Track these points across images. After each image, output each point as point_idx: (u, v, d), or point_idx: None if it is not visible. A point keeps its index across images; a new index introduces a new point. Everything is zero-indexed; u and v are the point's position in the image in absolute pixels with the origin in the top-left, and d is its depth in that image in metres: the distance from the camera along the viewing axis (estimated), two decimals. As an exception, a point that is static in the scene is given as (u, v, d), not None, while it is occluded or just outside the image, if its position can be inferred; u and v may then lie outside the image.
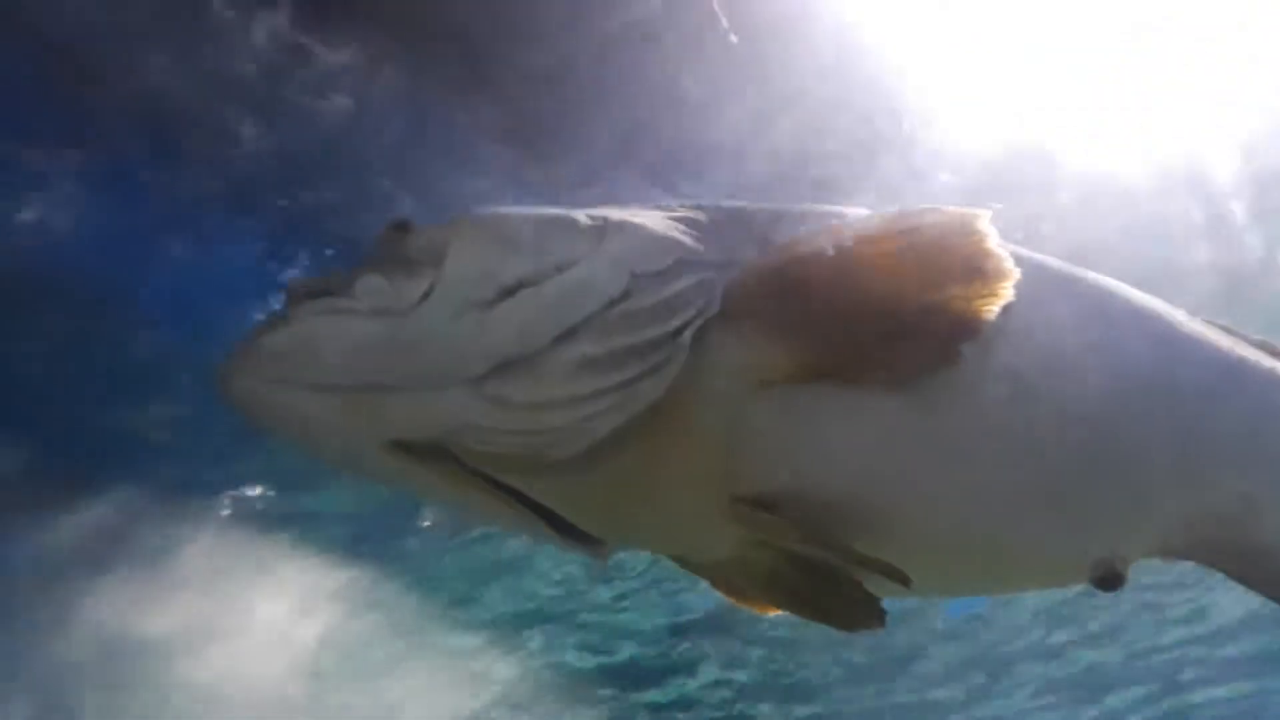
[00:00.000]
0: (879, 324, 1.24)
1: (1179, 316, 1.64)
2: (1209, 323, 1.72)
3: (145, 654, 6.34)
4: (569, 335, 1.20)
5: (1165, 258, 4.24)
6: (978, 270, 1.22)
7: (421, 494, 1.40)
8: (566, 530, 1.35)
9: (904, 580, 1.29)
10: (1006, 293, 1.23)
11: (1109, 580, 1.47)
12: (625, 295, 1.21)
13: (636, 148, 3.73)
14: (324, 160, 3.63)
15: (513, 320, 1.20)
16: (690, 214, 1.34)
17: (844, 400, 1.27)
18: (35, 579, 5.60)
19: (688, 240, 1.27)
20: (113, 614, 5.95)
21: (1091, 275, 1.58)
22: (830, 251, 1.23)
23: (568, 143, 3.68)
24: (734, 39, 3.43)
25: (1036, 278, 1.47)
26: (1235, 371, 1.66)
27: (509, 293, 1.21)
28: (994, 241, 1.23)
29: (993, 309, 1.23)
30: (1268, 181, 4.20)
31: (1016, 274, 1.23)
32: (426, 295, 1.21)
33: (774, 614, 1.51)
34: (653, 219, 1.30)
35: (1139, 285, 1.67)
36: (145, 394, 4.49)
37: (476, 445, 1.23)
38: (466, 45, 3.40)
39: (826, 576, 1.36)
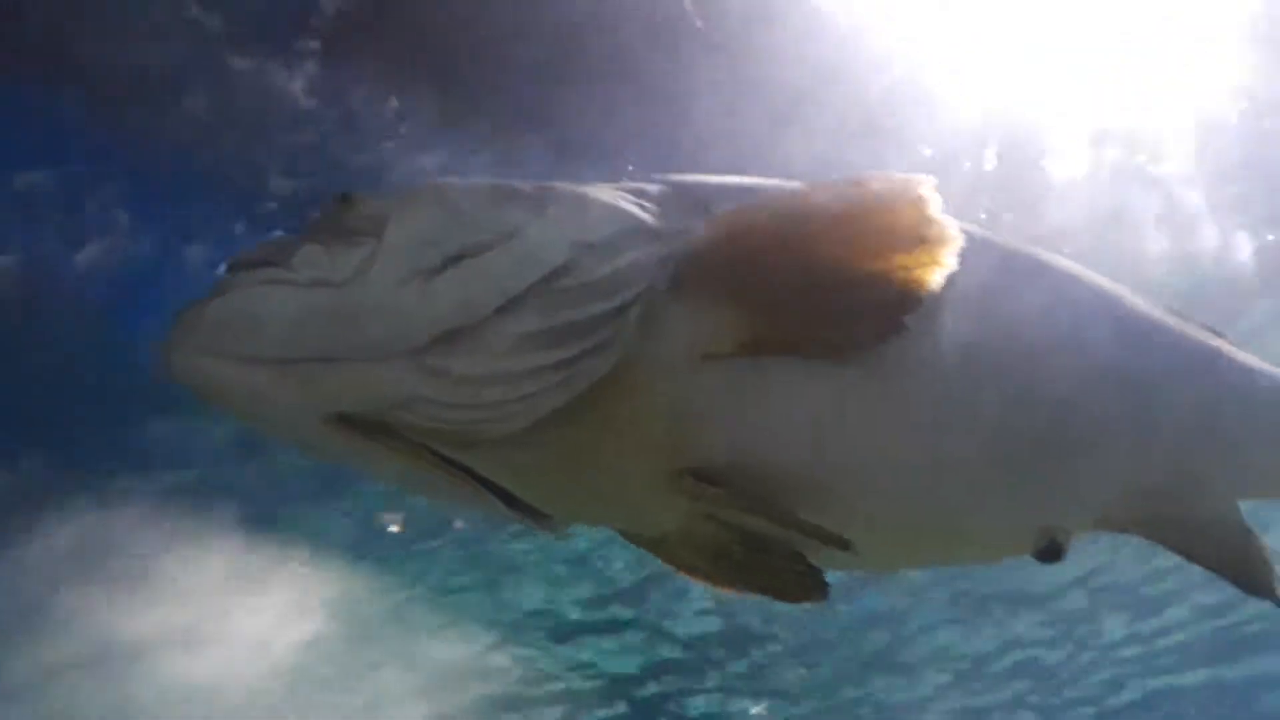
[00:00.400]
0: (824, 294, 1.24)
1: (1128, 295, 1.67)
2: (1160, 306, 1.75)
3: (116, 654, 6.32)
4: (511, 307, 1.19)
5: (1122, 244, 4.29)
6: (920, 237, 1.22)
7: (367, 469, 1.39)
8: (514, 504, 1.35)
9: (846, 546, 1.30)
10: (950, 260, 1.23)
11: (1050, 552, 1.49)
12: (569, 266, 1.20)
13: (606, 140, 3.73)
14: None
15: (454, 290, 1.20)
16: (639, 186, 1.34)
17: (791, 373, 1.28)
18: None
19: (634, 211, 1.27)
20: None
21: (1045, 254, 1.60)
22: (774, 221, 1.23)
23: (533, 133, 3.69)
24: (699, 24, 3.44)
25: (989, 254, 1.49)
26: (1185, 353, 1.68)
27: (451, 262, 1.20)
28: (936, 208, 1.22)
29: (937, 277, 1.23)
30: (1223, 171, 4.26)
31: (960, 241, 1.23)
32: (367, 265, 1.21)
33: (722, 590, 1.52)
34: (599, 190, 1.30)
35: (1097, 272, 1.69)
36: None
37: (419, 419, 1.22)
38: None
39: (771, 549, 1.37)
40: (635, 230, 1.24)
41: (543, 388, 1.19)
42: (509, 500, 1.34)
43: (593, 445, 1.27)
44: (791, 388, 1.28)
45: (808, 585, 1.41)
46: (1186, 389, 1.65)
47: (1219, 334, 1.82)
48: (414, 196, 1.27)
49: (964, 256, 1.25)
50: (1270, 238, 4.87)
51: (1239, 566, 1.69)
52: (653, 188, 1.34)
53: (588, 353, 1.19)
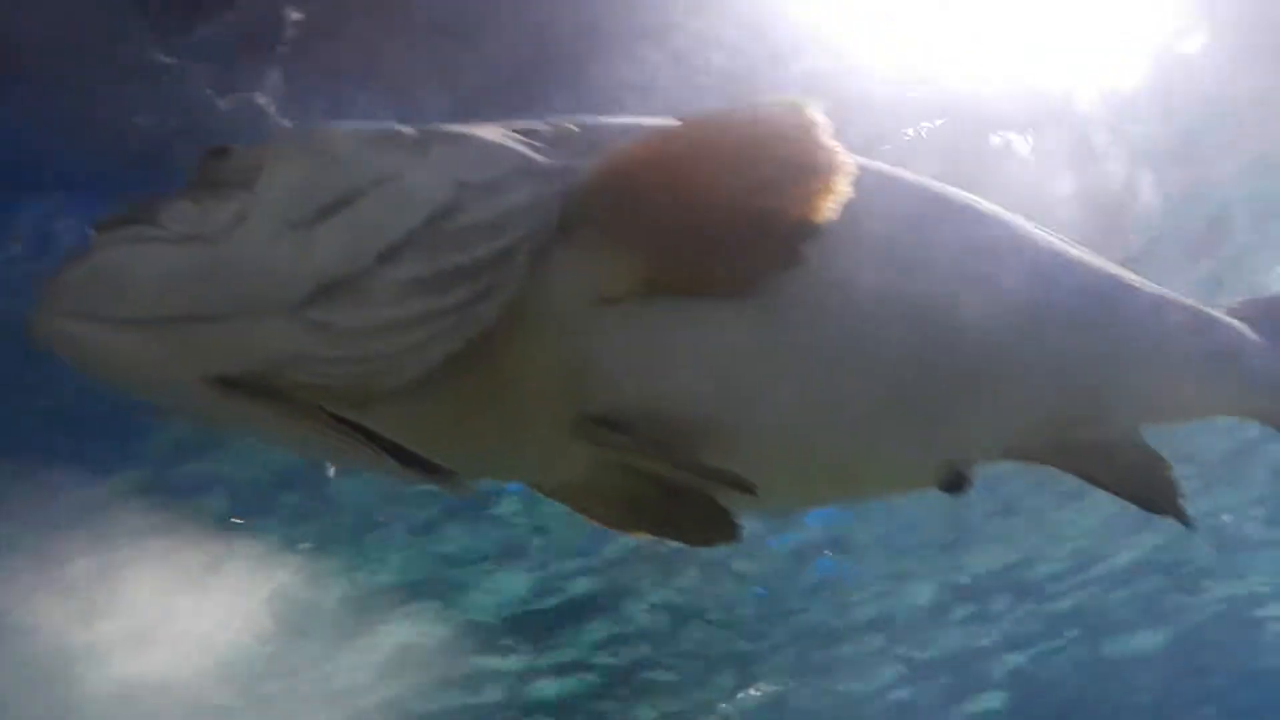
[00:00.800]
0: (716, 229, 1.21)
1: (1032, 228, 1.67)
2: (1066, 240, 1.76)
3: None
4: (394, 255, 1.15)
5: (1035, 183, 4.34)
6: (811, 165, 1.19)
7: (254, 432, 1.35)
8: (414, 462, 1.32)
9: (750, 490, 1.29)
10: (845, 189, 1.20)
11: (954, 484, 1.50)
12: (453, 209, 1.16)
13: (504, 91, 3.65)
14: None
15: (332, 240, 1.15)
16: (528, 126, 1.30)
17: (689, 314, 1.25)
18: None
19: (521, 150, 1.22)
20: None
21: (945, 186, 1.59)
22: (659, 156, 1.20)
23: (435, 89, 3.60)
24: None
25: (887, 185, 1.47)
26: (1088, 284, 1.69)
27: (328, 211, 1.15)
28: (826, 133, 1.19)
29: (831, 206, 1.20)
30: (1133, 112, 4.32)
31: (853, 169, 1.20)
32: (240, 218, 1.15)
33: (633, 535, 1.50)
34: (485, 130, 1.26)
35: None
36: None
37: (303, 376, 1.17)
38: None
39: (677, 493, 1.35)
40: (522, 170, 1.20)
41: (431, 336, 1.15)
42: (409, 459, 1.30)
43: (491, 395, 1.24)
44: (692, 329, 1.26)
45: (717, 528, 1.40)
46: (1090, 319, 1.67)
47: (1126, 269, 1.84)
48: (288, 144, 1.22)
49: (861, 187, 1.23)
50: (1176, 176, 4.98)
51: (1143, 489, 1.72)
52: (543, 128, 1.30)
53: (476, 298, 1.16)
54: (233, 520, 5.67)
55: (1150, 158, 4.63)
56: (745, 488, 1.28)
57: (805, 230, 1.21)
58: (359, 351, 1.16)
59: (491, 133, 1.25)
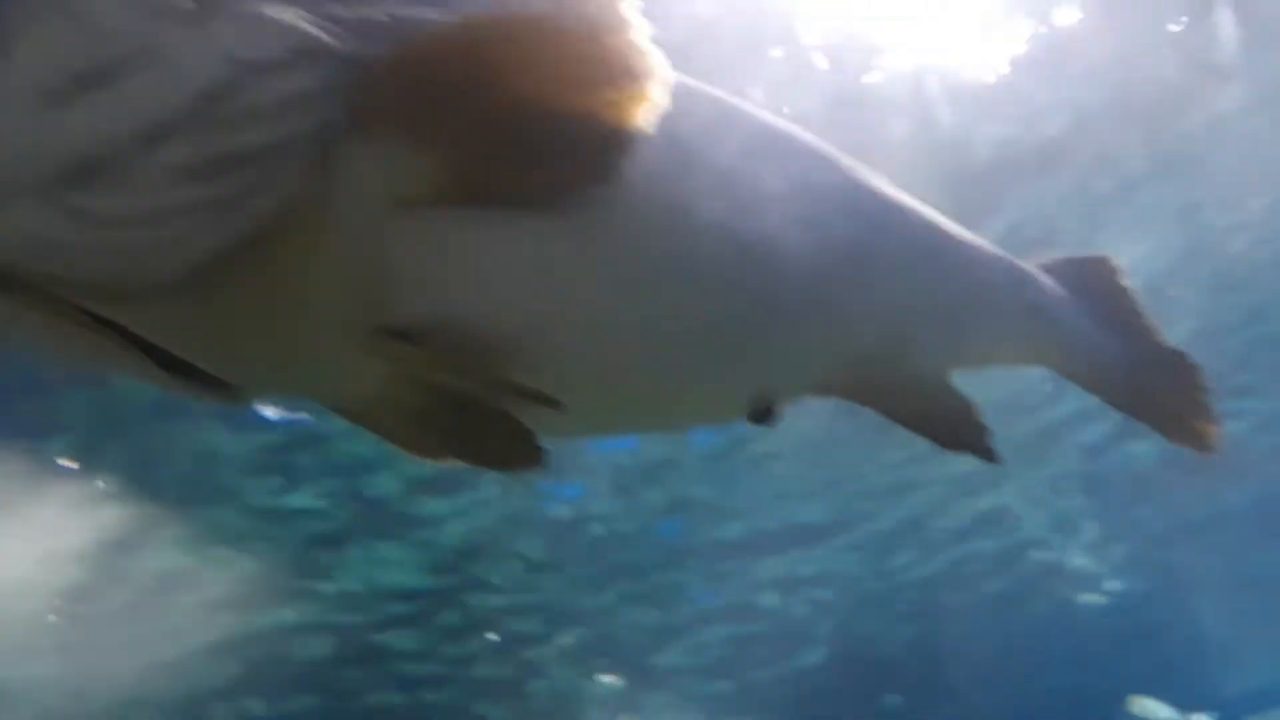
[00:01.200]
0: (522, 131, 1.13)
1: (856, 167, 1.66)
2: (892, 185, 1.77)
3: None
4: (159, 135, 1.02)
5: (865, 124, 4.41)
6: (627, 69, 1.11)
7: (3, 334, 1.20)
8: (186, 372, 1.21)
9: (556, 405, 1.24)
10: (661, 98, 1.13)
11: (763, 416, 1.49)
12: (228, 89, 1.03)
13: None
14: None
15: (90, 116, 1.01)
16: (327, 6, 1.18)
17: (492, 224, 1.17)
18: None
19: (311, 30, 1.10)
20: None
21: (769, 115, 1.56)
22: (461, 48, 1.10)
23: None
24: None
25: (708, 105, 1.43)
26: (907, 227, 1.71)
27: (87, 84, 1.02)
28: (642, 35, 1.11)
29: (645, 115, 1.13)
30: (964, 62, 4.44)
31: (671, 76, 1.13)
32: None
33: (432, 459, 1.43)
34: (274, 6, 1.13)
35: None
36: None
37: (57, 268, 1.04)
38: None
39: (478, 414, 1.29)
40: (309, 52, 1.08)
41: (199, 228, 1.04)
42: (180, 367, 1.19)
43: (271, 300, 1.13)
44: (496, 240, 1.18)
45: (521, 452, 1.34)
46: (910, 266, 1.68)
47: (951, 219, 1.87)
48: (43, 8, 1.07)
49: (680, 104, 1.17)
50: (1011, 132, 5.17)
51: (948, 429, 1.77)
52: (343, 9, 1.18)
53: (251, 190, 1.04)
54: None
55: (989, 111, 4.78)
56: (550, 403, 1.23)
57: (617, 140, 1.14)
58: (119, 241, 1.03)
59: (281, 10, 1.13)
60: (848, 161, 1.64)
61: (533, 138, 1.14)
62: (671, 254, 1.30)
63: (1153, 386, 2.02)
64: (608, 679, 10.59)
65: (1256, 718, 13.75)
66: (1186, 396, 2.02)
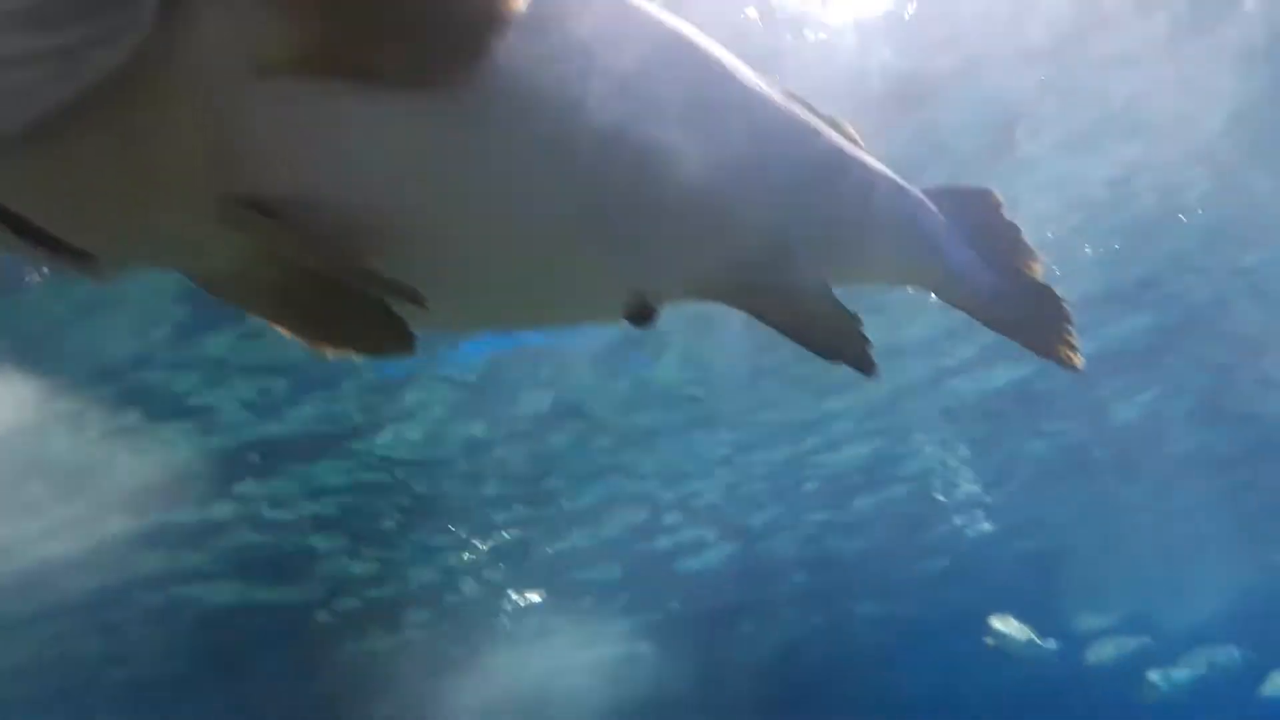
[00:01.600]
0: (388, 3, 1.09)
1: (753, 75, 1.65)
2: (789, 97, 1.76)
3: None
4: None
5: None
6: None
7: None
8: (41, 240, 1.14)
9: (416, 299, 1.21)
10: None
11: (640, 316, 1.49)
12: None
13: None
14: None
15: None
16: None
17: (357, 100, 1.12)
18: None
19: None
20: None
21: (687, 28, 1.53)
22: None
23: None
24: None
25: (624, 13, 1.40)
26: (799, 138, 1.70)
27: None
28: None
29: None
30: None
31: None
32: None
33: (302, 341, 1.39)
34: None
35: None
36: None
37: None
38: None
39: (342, 295, 1.25)
40: None
41: (37, 79, 0.98)
42: (34, 235, 1.13)
43: (121, 161, 1.07)
44: (361, 117, 1.14)
45: (388, 336, 1.31)
46: (792, 172, 1.68)
47: (855, 141, 1.88)
48: None
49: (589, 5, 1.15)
50: (907, 65, 5.20)
51: (825, 339, 1.78)
52: None
53: (93, 40, 0.98)
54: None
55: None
56: (410, 296, 1.20)
57: (490, 19, 1.11)
58: None
59: None
60: (746, 70, 1.62)
61: (402, 10, 1.10)
62: (547, 144, 1.28)
63: (1023, 314, 2.10)
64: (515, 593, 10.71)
65: (1102, 642, 14.67)
66: (1054, 325, 2.10)
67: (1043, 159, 6.11)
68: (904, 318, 7.18)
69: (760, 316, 1.70)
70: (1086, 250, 7.07)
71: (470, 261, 1.30)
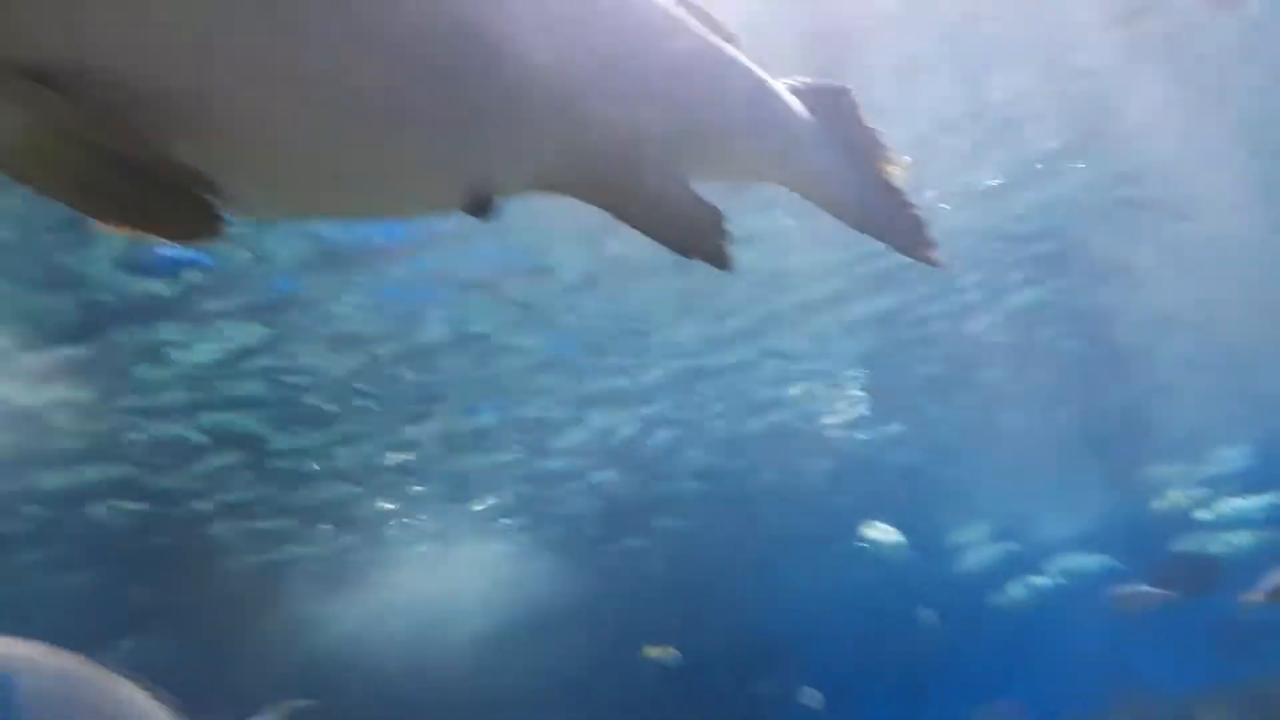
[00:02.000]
0: None
1: None
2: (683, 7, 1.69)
3: None
4: None
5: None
6: None
7: None
8: None
9: (209, 187, 1.12)
10: None
11: (479, 206, 1.42)
12: None
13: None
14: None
15: None
16: None
17: None
18: None
19: None
20: None
21: None
22: None
23: None
24: None
25: None
26: (665, 40, 1.64)
27: None
28: None
29: None
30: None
31: None
32: None
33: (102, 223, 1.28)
34: None
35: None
36: None
37: None
38: None
39: (140, 176, 1.15)
40: None
41: None
42: None
43: None
44: None
45: (194, 219, 1.21)
46: (652, 63, 1.61)
47: (728, 38, 1.81)
48: None
49: None
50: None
51: (680, 234, 1.73)
52: None
53: None
54: None
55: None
56: (204, 185, 1.11)
57: None
58: None
59: None
60: None
61: None
62: (366, 12, 1.19)
63: (881, 214, 2.08)
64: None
65: (973, 549, 15.47)
66: (911, 224, 2.10)
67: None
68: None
69: (611, 210, 1.64)
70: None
71: (278, 141, 1.21)
